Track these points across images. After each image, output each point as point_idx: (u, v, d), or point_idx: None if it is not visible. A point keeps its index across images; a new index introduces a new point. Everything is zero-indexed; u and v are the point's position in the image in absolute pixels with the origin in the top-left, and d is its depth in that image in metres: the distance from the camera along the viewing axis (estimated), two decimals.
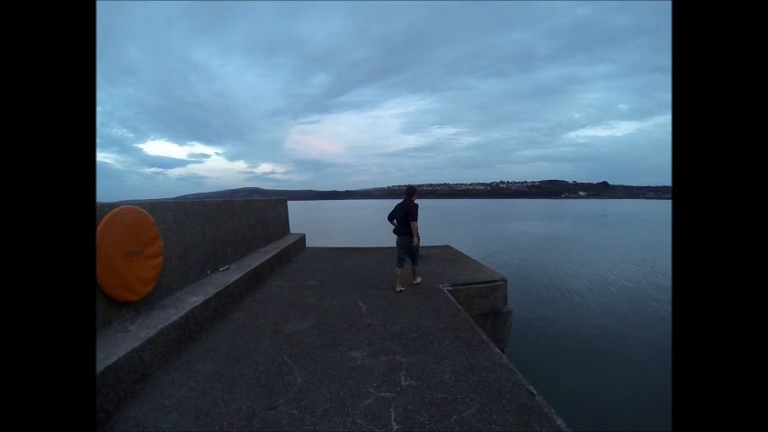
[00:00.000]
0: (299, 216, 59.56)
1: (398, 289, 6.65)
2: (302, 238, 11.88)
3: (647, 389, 7.82)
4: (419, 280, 7.22)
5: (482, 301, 7.06)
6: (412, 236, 6.55)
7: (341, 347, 4.25)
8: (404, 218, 6.63)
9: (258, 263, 7.32)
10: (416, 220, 6.54)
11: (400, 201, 6.88)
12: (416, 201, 6.75)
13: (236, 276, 6.11)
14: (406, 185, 7.46)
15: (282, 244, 9.84)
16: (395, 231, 6.89)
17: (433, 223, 42.95)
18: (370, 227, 42.48)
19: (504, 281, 7.40)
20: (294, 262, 9.64)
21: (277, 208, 11.15)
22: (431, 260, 9.29)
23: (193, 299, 4.80)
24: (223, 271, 6.47)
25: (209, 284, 5.55)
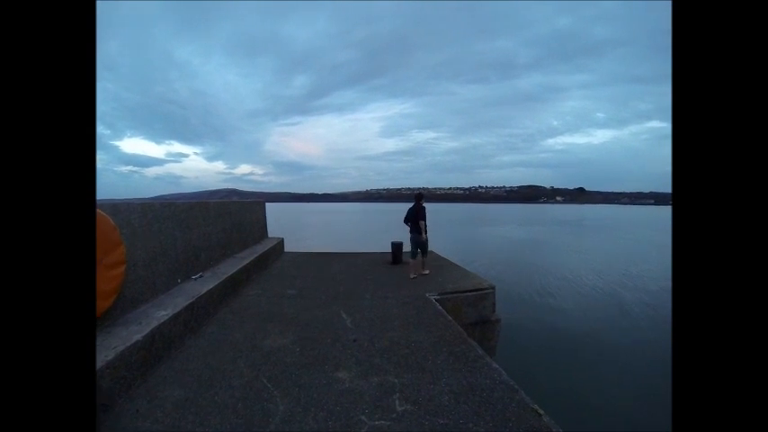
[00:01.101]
0: (278, 219, 58.77)
1: (412, 276, 7.95)
2: (280, 243, 11.43)
3: (633, 392, 7.66)
4: (427, 272, 8.24)
5: (470, 309, 6.76)
6: (421, 233, 8.02)
7: (326, 367, 3.85)
8: (414, 219, 8.13)
9: (234, 270, 6.85)
10: (423, 219, 8.07)
11: (411, 205, 8.29)
12: (425, 204, 8.20)
13: (210, 285, 5.65)
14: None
15: (260, 249, 9.37)
16: (410, 231, 8.35)
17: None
18: (351, 231, 41.95)
19: (492, 288, 7.12)
20: (272, 268, 9.19)
21: (254, 210, 10.67)
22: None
23: (161, 313, 4.33)
24: (196, 279, 6.00)
25: (179, 295, 5.08)
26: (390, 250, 9.73)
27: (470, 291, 6.87)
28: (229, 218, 8.37)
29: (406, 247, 9.04)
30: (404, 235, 8.88)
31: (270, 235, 11.99)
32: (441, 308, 5.82)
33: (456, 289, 6.89)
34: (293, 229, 41.17)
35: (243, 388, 3.44)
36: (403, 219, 8.49)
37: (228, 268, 6.95)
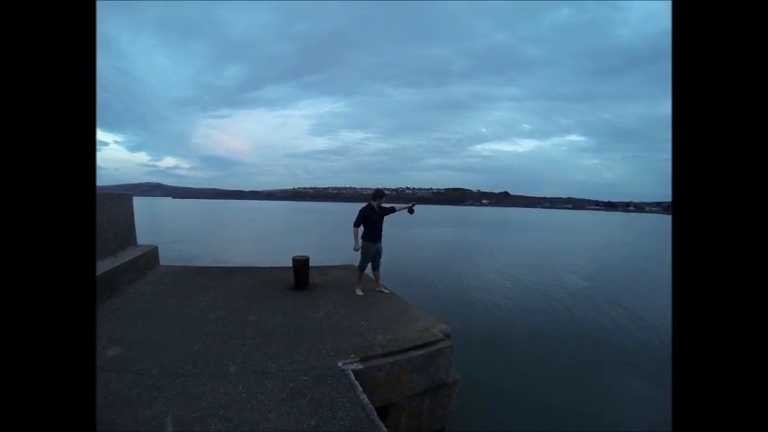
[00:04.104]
0: (191, 218, 53.94)
1: (358, 293, 6.35)
2: (151, 254, 8.18)
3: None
4: (358, 292, 6.34)
5: (416, 376, 4.14)
6: (380, 239, 6.43)
7: None
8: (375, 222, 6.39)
9: None
10: (355, 225, 6.23)
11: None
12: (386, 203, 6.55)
13: None
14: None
15: (106, 266, 6.19)
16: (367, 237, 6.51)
17: (333, 229, 39.26)
18: (266, 234, 37.32)
19: (448, 337, 4.56)
20: (123, 294, 6.01)
21: (110, 209, 7.40)
22: (325, 294, 6.24)
23: None
24: None
25: None
26: (293, 268, 6.72)
27: (415, 347, 4.21)
28: None
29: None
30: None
31: (169, 238, 8.89)
32: (366, 400, 3.10)
33: (392, 346, 4.20)
34: (201, 231, 36.43)
35: None
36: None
37: None
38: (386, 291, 6.49)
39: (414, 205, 6.69)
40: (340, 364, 3.69)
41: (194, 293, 6.17)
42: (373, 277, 6.66)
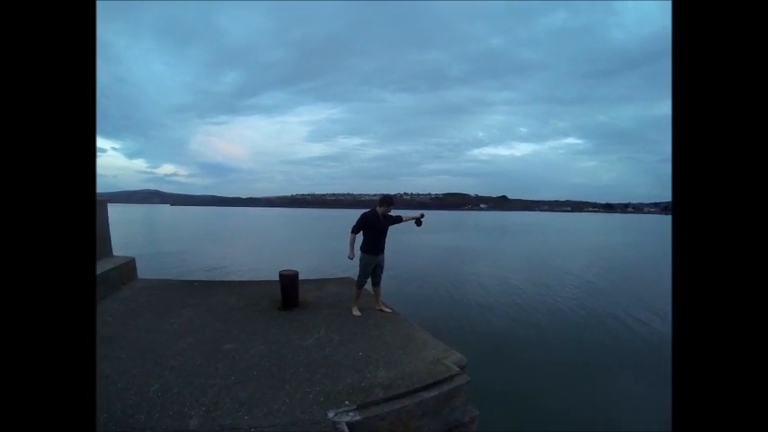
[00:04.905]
0: (184, 226, 53.28)
1: (355, 313, 5.51)
2: (126, 266, 7.38)
3: None
4: (355, 312, 5.53)
5: (428, 420, 3.34)
6: (382, 250, 5.67)
7: None
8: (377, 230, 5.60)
9: None
10: (353, 231, 5.47)
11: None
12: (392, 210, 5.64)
13: None
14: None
15: None
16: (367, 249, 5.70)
17: (329, 236, 38.18)
18: (260, 242, 35.95)
19: (464, 369, 3.79)
20: None
21: None
22: (317, 315, 5.41)
23: None
24: None
25: None
26: (281, 285, 5.86)
27: (426, 387, 3.41)
28: None
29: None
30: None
31: (163, 248, 8.26)
32: None
33: (397, 386, 3.39)
34: (197, 239, 35.64)
35: None
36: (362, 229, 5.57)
37: None
38: (387, 310, 5.67)
39: (423, 216, 5.91)
40: (331, 414, 2.87)
41: (168, 313, 5.36)
42: (373, 293, 5.83)
